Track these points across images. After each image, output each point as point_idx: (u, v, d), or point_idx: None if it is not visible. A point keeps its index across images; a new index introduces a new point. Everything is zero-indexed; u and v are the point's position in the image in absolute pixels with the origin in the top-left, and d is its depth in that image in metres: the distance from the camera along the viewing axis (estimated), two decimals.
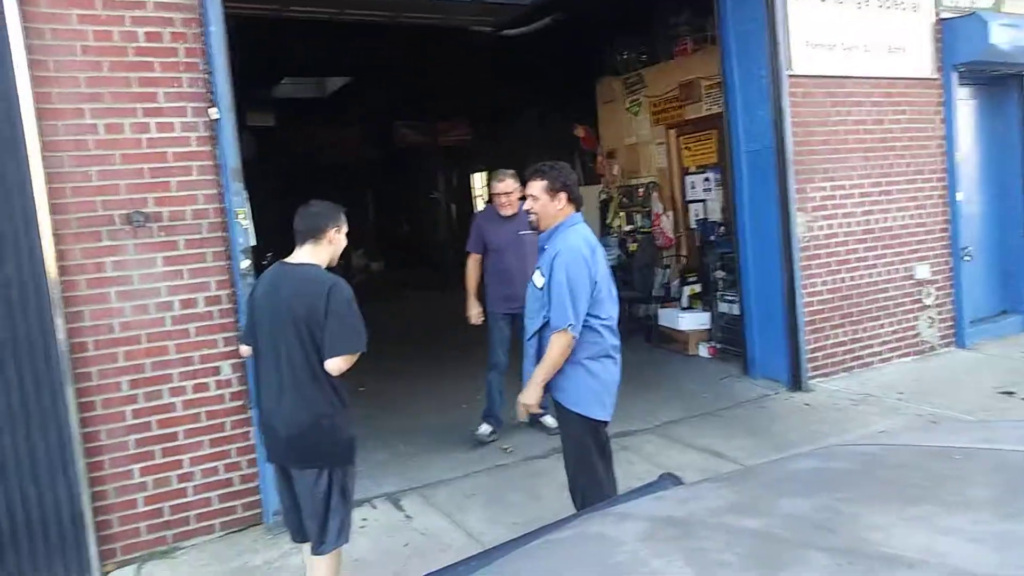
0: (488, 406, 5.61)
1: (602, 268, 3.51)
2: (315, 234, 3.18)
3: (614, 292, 3.59)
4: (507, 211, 5.44)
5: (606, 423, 3.56)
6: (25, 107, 3.70)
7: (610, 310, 3.53)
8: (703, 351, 7.59)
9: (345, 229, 3.26)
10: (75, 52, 3.85)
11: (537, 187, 3.56)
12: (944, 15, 7.13)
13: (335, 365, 3.01)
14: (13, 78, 3.67)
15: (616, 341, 3.56)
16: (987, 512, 1.28)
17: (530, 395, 3.49)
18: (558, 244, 3.48)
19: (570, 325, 3.34)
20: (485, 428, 5.55)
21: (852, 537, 1.23)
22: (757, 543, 1.25)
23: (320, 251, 3.19)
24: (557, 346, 3.38)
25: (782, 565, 1.15)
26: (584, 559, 1.39)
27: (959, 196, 7.27)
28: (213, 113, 4.12)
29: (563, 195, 3.54)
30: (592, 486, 3.50)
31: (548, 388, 3.52)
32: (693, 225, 8.49)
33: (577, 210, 3.62)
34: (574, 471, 3.60)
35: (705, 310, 7.77)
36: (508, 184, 5.40)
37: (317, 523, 3.13)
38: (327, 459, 3.12)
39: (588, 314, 3.42)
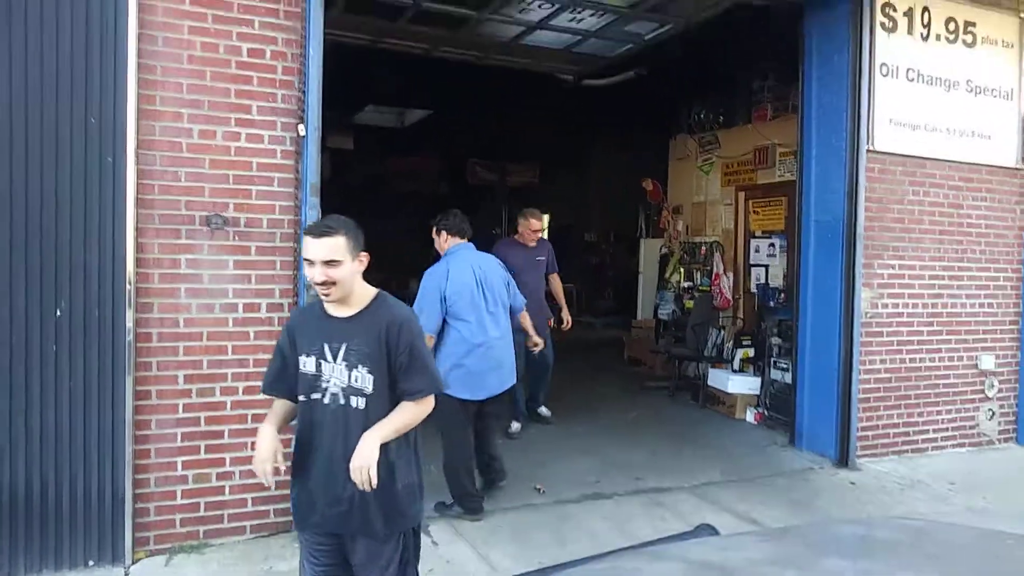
0: (515, 408, 6.62)
1: (464, 280, 4.57)
2: None
3: (495, 296, 4.71)
4: (532, 242, 6.69)
5: (474, 402, 4.69)
6: (130, 106, 3.93)
7: (475, 314, 4.59)
8: (750, 416, 7.45)
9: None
10: (182, 60, 4.08)
11: (433, 232, 4.89)
12: None
13: None
14: (125, 78, 3.92)
15: (481, 338, 4.60)
16: None
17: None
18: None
19: None
20: (516, 425, 6.63)
21: None
22: None
23: None
24: None
25: None
26: None
27: None
28: (301, 130, 4.30)
29: (443, 233, 4.84)
30: (453, 447, 4.70)
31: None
32: (753, 289, 8.41)
33: (465, 239, 4.82)
34: (443, 436, 4.68)
35: (756, 375, 7.65)
36: (542, 222, 6.65)
37: None
38: None
39: (454, 318, 4.54)
